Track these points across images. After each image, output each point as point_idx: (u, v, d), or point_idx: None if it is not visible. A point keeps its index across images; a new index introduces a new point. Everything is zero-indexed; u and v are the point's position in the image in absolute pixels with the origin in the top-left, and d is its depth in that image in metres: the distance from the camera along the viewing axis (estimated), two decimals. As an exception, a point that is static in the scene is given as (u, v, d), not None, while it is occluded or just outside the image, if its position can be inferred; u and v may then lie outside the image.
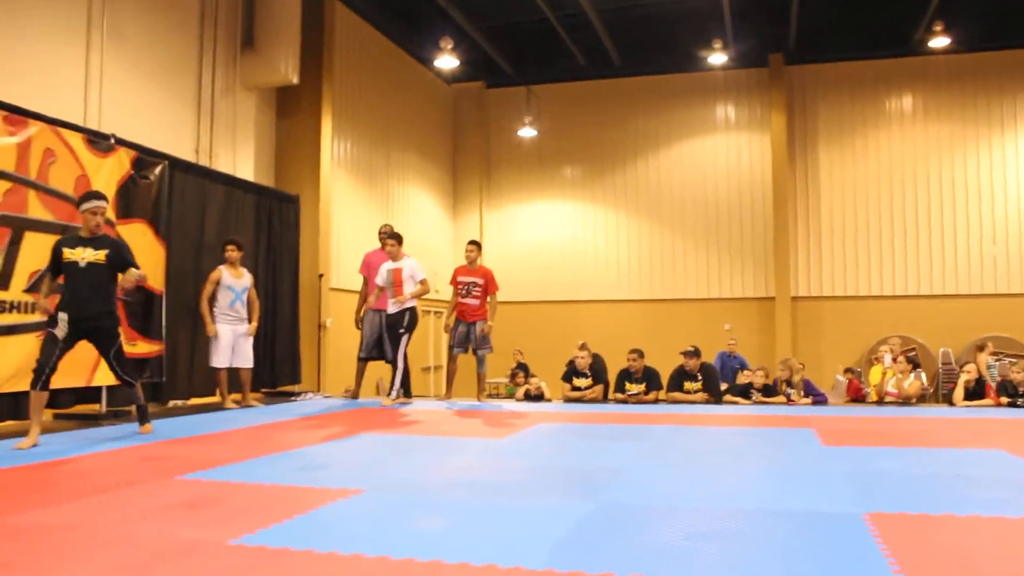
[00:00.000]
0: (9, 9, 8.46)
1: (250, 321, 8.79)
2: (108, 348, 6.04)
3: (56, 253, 5.90)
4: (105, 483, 4.35)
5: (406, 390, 9.42)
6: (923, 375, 10.99)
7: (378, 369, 10.59)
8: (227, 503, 3.86)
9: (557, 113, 19.25)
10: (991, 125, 17.01)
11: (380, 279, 9.28)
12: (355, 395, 9.79)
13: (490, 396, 11.14)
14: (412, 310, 9.17)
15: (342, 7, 14.36)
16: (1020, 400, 9.28)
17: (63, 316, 5.78)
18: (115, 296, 6.15)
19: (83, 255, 5.85)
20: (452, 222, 19.42)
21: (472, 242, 9.97)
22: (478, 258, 9.83)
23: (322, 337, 12.96)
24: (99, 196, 6.08)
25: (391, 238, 9.37)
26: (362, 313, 9.81)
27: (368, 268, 9.88)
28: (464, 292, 9.60)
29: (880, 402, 10.20)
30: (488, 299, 9.67)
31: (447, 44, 14.68)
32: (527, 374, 11.87)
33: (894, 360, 10.63)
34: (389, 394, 9.21)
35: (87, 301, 5.86)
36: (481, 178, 19.69)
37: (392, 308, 9.16)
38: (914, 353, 14.76)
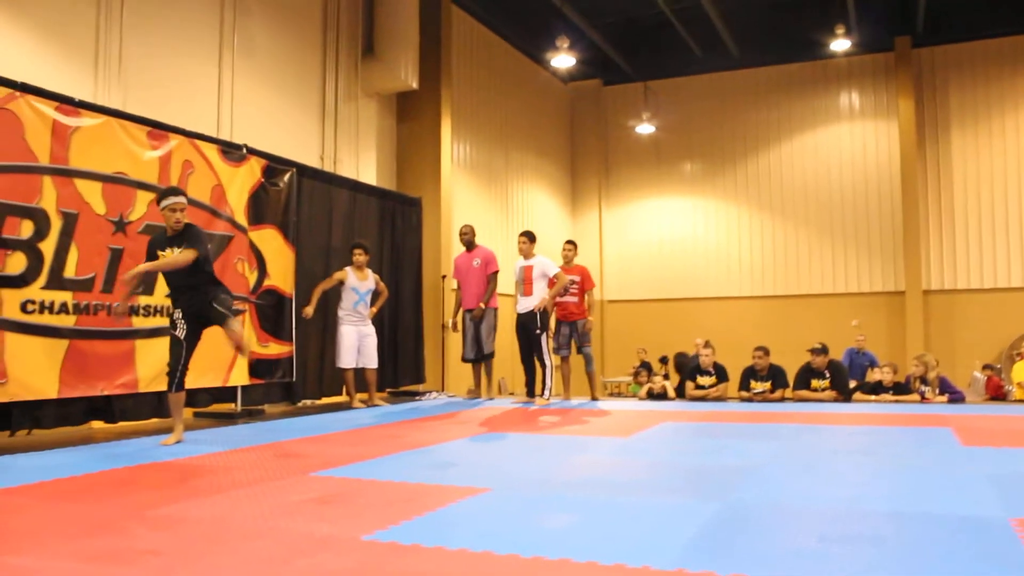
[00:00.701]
0: (148, 30, 8.96)
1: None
2: (212, 310, 5.96)
3: (151, 254, 5.94)
4: (243, 479, 4.53)
5: (530, 390, 9.50)
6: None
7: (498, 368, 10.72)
8: (359, 500, 3.97)
9: (675, 108, 19.03)
10: None
11: (516, 277, 9.46)
12: (477, 394, 9.92)
13: (612, 395, 11.11)
14: (543, 309, 9.26)
15: (458, 11, 14.58)
16: None
17: (178, 315, 5.94)
18: (212, 280, 6.12)
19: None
20: (571, 221, 19.44)
21: (569, 241, 10.06)
22: (575, 257, 9.86)
23: (445, 337, 13.17)
24: (177, 192, 5.99)
25: (522, 236, 9.50)
26: (459, 315, 9.90)
27: (457, 272, 9.94)
28: (562, 290, 9.61)
29: (1028, 400, 9.70)
30: (586, 295, 9.70)
31: (563, 43, 14.70)
32: (650, 372, 11.78)
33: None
34: (542, 394, 9.31)
35: (190, 296, 5.95)
36: (599, 176, 19.64)
37: (522, 308, 9.28)
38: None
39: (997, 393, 11.20)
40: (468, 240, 9.81)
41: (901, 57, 17.31)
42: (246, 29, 10.27)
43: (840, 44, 16.27)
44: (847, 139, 17.99)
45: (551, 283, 9.24)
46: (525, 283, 9.27)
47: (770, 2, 16.47)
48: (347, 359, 8.84)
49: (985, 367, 13.45)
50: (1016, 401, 9.94)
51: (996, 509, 3.66)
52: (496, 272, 9.65)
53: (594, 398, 9.86)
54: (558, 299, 9.56)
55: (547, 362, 9.28)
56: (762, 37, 17.62)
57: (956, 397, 9.48)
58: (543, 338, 9.21)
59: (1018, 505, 3.72)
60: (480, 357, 9.70)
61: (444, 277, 13.27)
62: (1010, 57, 16.83)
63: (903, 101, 17.22)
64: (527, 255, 9.40)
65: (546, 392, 9.29)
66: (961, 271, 17.02)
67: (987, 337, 16.30)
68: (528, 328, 9.27)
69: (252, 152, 8.32)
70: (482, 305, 9.51)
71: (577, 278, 9.68)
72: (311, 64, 11.58)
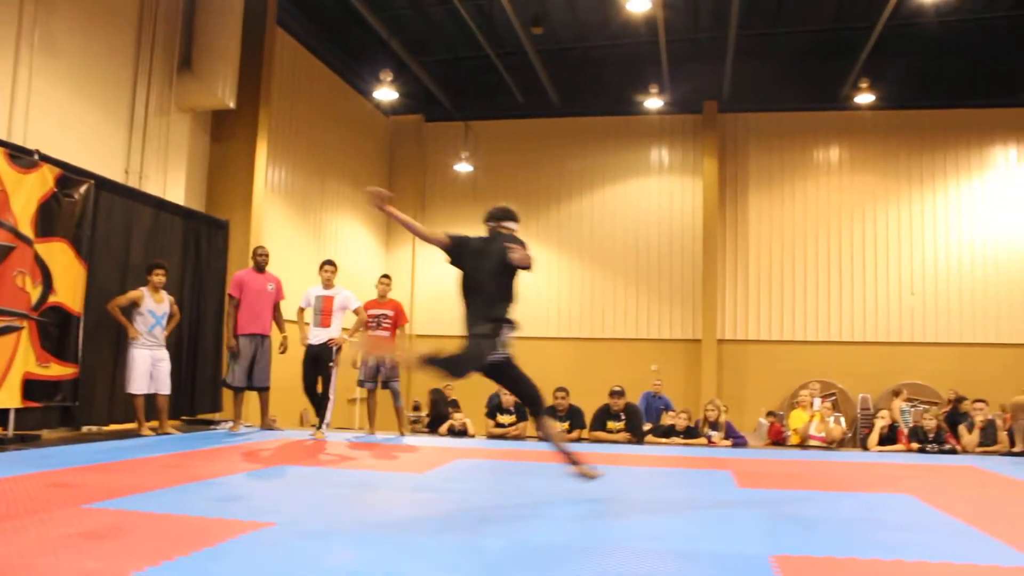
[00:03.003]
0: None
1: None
2: None
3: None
4: (6, 511, 4.20)
5: (320, 422, 9.29)
6: (842, 419, 11.26)
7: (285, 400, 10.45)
8: (133, 534, 3.76)
9: (494, 149, 19.38)
10: (911, 180, 17.62)
11: (304, 303, 9.24)
12: (238, 427, 9.43)
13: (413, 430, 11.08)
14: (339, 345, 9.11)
15: (283, 33, 14.32)
16: (930, 446, 9.58)
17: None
18: None
19: None
20: (385, 253, 19.35)
21: (384, 275, 10.01)
22: (389, 291, 9.82)
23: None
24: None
25: (328, 264, 9.32)
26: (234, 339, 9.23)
27: (239, 288, 9.26)
28: (375, 324, 9.51)
29: (802, 445, 10.37)
30: (398, 331, 9.65)
31: (387, 76, 14.71)
32: (446, 408, 11.82)
33: (823, 404, 10.86)
34: (319, 427, 9.08)
35: None
36: (416, 211, 19.65)
37: (316, 339, 9.06)
38: (835, 398, 15.11)
39: (777, 438, 11.89)
40: (263, 263, 9.47)
41: (708, 120, 18.39)
42: (49, 27, 9.64)
43: (653, 103, 17.12)
44: (655, 193, 18.86)
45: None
46: (323, 314, 9.09)
47: (591, 58, 17.16)
48: (138, 384, 8.39)
49: (769, 414, 14.31)
50: (792, 446, 10.62)
51: (760, 547, 3.90)
52: (282, 300, 9.47)
53: (401, 434, 9.78)
54: (370, 332, 9.45)
55: (332, 396, 9.11)
56: (582, 88, 18.29)
57: (739, 442, 10.07)
58: (334, 371, 9.06)
59: (780, 543, 3.99)
60: (254, 387, 9.33)
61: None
62: (800, 130, 18.24)
63: (708, 161, 18.28)
64: (328, 285, 9.25)
65: (323, 426, 9.10)
66: (752, 323, 18.15)
67: (773, 385, 17.42)
68: (321, 360, 9.07)
69: (45, 159, 7.81)
70: (286, 334, 9.27)
71: (391, 312, 9.61)
72: (121, 72, 11.01)
